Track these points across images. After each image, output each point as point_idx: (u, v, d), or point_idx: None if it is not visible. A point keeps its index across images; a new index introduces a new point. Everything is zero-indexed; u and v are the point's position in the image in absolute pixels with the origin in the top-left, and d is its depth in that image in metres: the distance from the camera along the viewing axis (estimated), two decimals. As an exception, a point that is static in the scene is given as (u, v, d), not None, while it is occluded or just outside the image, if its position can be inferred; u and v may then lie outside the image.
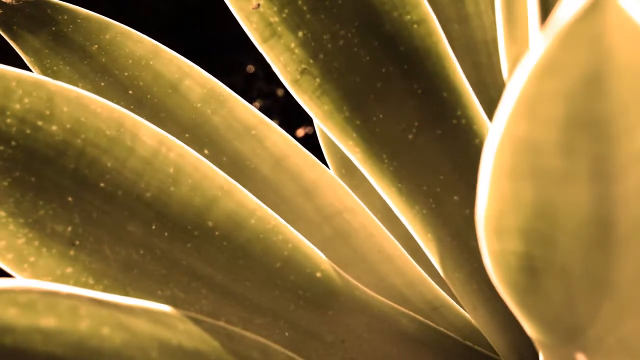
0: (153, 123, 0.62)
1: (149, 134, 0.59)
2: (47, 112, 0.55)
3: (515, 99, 0.31)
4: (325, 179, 0.75)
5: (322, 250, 0.66)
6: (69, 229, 0.55)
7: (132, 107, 0.74)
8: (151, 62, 0.75)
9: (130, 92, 0.74)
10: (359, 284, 0.65)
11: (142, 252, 0.58)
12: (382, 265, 0.74)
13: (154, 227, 0.58)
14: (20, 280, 0.43)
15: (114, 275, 0.57)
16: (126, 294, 0.57)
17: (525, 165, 0.33)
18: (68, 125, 0.55)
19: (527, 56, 0.30)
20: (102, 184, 0.57)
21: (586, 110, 0.31)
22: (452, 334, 0.70)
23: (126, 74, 0.75)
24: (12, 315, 0.40)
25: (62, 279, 0.55)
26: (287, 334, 0.62)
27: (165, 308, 0.48)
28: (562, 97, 0.31)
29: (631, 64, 0.30)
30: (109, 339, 0.42)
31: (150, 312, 0.46)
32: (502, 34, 0.65)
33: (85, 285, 0.56)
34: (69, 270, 0.55)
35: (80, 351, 0.41)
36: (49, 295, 0.41)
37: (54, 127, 0.55)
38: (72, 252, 0.55)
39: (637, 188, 0.33)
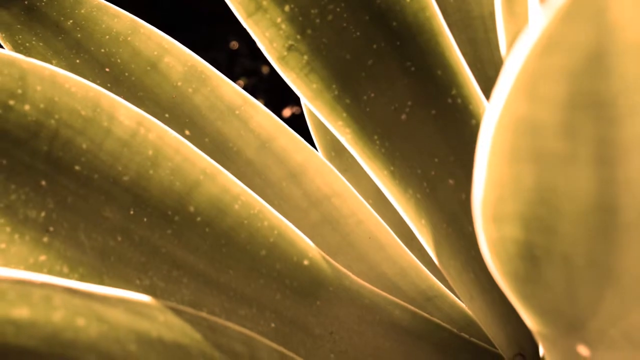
0: (131, 103, 0.62)
1: (126, 114, 0.58)
2: (19, 91, 0.54)
3: (514, 77, 0.31)
4: (313, 162, 0.75)
5: (309, 237, 0.66)
6: (43, 214, 0.55)
7: (108, 85, 0.73)
8: (129, 39, 0.74)
9: (107, 70, 0.74)
10: (348, 273, 0.65)
11: (119, 239, 0.58)
12: (373, 253, 0.74)
13: (132, 213, 0.58)
14: (-10, 269, 0.42)
15: (90, 263, 0.56)
16: (103, 283, 0.57)
17: (525, 148, 0.33)
18: (41, 105, 0.55)
19: (526, 32, 0.30)
20: (77, 167, 0.56)
21: (589, 90, 0.31)
22: (447, 326, 0.70)
23: (103, 50, 0.74)
24: (-18, 306, 0.40)
25: (35, 267, 0.55)
26: (273, 325, 0.62)
27: (144, 298, 0.48)
28: (563, 75, 0.31)
29: (635, 40, 0.30)
30: (84, 330, 0.42)
31: (128, 302, 0.46)
32: (500, 8, 0.65)
33: (59, 273, 0.56)
34: (43, 258, 0.55)
35: (54, 343, 0.41)
36: (21, 284, 0.41)
37: (27, 107, 0.54)
38: (45, 239, 0.55)
39: (642, 172, 0.33)
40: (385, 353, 0.65)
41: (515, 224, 0.37)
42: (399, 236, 0.75)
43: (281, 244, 0.62)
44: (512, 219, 0.36)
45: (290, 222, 0.65)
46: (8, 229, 0.54)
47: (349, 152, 0.80)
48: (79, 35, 0.74)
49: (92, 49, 0.74)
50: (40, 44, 0.73)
